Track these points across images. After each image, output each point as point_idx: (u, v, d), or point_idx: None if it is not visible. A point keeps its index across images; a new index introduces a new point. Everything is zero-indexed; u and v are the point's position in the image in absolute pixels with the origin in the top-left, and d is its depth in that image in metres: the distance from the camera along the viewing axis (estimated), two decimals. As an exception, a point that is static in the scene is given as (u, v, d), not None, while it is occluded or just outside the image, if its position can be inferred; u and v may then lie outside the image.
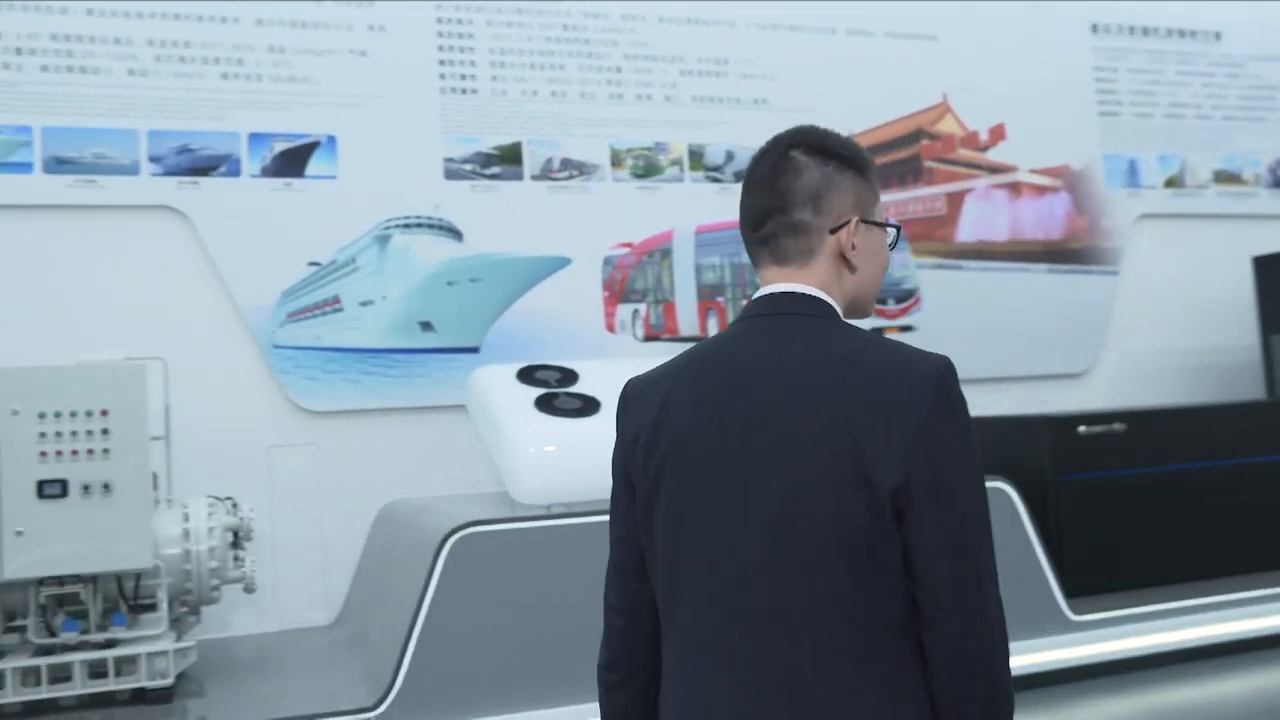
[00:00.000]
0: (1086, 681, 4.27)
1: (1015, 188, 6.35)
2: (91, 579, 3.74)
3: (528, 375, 4.54)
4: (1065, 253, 6.41)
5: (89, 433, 3.65)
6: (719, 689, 1.44)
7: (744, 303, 5.89)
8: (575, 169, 5.57)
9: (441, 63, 5.38)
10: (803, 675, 1.39)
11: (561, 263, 5.48)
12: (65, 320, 4.63)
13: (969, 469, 1.42)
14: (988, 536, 1.43)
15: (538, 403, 4.32)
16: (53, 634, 3.73)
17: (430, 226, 5.29)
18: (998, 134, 6.31)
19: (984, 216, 6.26)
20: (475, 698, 3.57)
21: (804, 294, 1.54)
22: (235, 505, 4.20)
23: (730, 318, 5.77)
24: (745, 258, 5.77)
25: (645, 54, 5.73)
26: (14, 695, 3.60)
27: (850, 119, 6.01)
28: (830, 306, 1.53)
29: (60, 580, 3.67)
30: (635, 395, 1.60)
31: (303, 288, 5.07)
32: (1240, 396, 6.20)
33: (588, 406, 4.30)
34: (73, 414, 3.64)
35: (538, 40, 5.56)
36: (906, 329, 6.01)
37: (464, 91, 5.41)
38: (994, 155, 6.32)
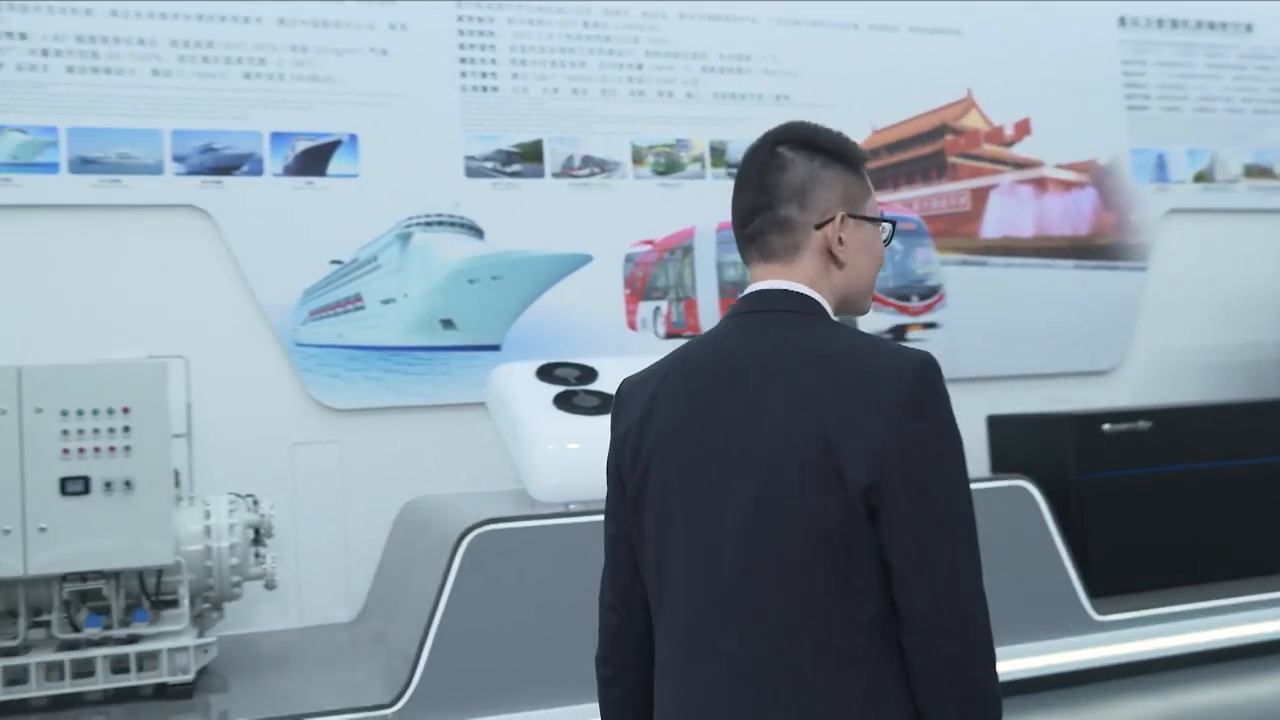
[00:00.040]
0: (1111, 682, 4.22)
1: (1041, 183, 6.28)
2: (114, 575, 3.77)
3: (547, 373, 4.55)
4: (1092, 248, 6.34)
5: (110, 430, 3.69)
6: (700, 687, 1.44)
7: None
8: (596, 166, 5.57)
9: (462, 61, 5.39)
10: (777, 675, 1.39)
11: (583, 260, 5.48)
12: (90, 319, 4.67)
13: (947, 467, 1.40)
14: (969, 536, 1.41)
15: (556, 400, 4.32)
16: (76, 629, 3.77)
17: (451, 224, 5.31)
18: (1023, 129, 6.25)
19: (1009, 212, 6.20)
20: (492, 695, 3.57)
21: (789, 291, 1.53)
22: (256, 502, 4.23)
23: (752, 315, 5.73)
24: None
25: (666, 51, 5.72)
26: (38, 689, 3.64)
27: (873, 114, 5.98)
28: (816, 303, 1.52)
29: (83, 576, 3.71)
30: (627, 394, 1.61)
31: (324, 286, 5.09)
32: (1271, 394, 6.10)
33: (606, 404, 4.30)
34: (94, 412, 3.67)
35: (559, 38, 5.56)
36: (930, 325, 5.97)
37: (485, 89, 5.42)
38: (1019, 150, 6.26)
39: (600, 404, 4.29)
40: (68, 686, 3.67)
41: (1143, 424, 4.79)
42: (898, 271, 5.95)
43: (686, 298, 5.67)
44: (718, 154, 5.76)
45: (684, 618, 1.48)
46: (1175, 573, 4.69)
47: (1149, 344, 6.36)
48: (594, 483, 3.94)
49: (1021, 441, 4.94)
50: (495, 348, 5.31)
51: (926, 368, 1.42)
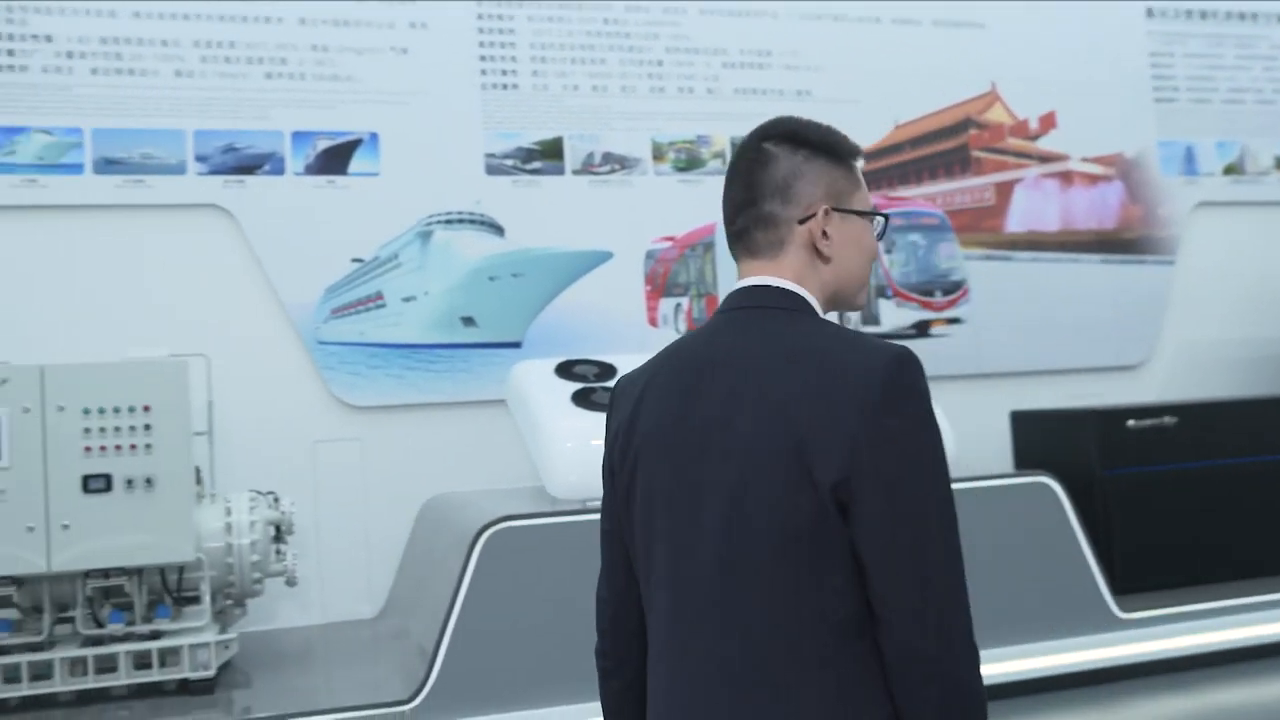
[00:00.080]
0: (1135, 681, 4.18)
1: (1067, 177, 6.22)
2: (136, 572, 3.81)
3: (566, 370, 4.55)
4: (1119, 242, 6.26)
5: (132, 428, 3.72)
6: (681, 682, 1.45)
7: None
8: (617, 163, 5.57)
9: (482, 58, 5.40)
10: (750, 672, 1.38)
11: (603, 257, 5.48)
12: (114, 318, 4.72)
13: (921, 464, 1.37)
14: (946, 534, 1.38)
15: (575, 397, 4.32)
16: (100, 625, 3.81)
17: (472, 222, 5.32)
18: (1048, 122, 6.19)
19: (1034, 206, 6.14)
20: (509, 692, 3.58)
21: (772, 287, 1.52)
22: (277, 500, 4.26)
23: (773, 311, 5.72)
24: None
25: (687, 47, 5.70)
26: (61, 685, 3.68)
27: (896, 109, 5.94)
28: (800, 299, 1.51)
29: (105, 573, 3.75)
30: (621, 391, 1.62)
31: (346, 284, 5.12)
32: (1302, 389, 6.03)
33: (624, 401, 4.29)
34: (116, 410, 3.71)
35: (578, 35, 5.55)
36: (954, 321, 5.92)
37: (505, 87, 5.43)
38: (1045, 144, 6.20)
39: (618, 401, 4.28)
40: (91, 682, 3.71)
41: (1168, 419, 4.73)
42: (921, 267, 5.91)
43: (708, 294, 5.66)
44: (739, 150, 5.73)
45: (668, 613, 1.49)
46: (1200, 570, 4.63)
47: (1177, 338, 6.28)
48: (611, 480, 3.98)
49: (1045, 437, 4.89)
50: (516, 345, 5.32)
51: (901, 363, 1.39)
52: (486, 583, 3.65)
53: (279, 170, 5.06)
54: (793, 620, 1.37)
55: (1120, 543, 4.57)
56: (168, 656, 3.79)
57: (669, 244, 5.60)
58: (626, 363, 4.62)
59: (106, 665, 3.76)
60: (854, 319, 5.75)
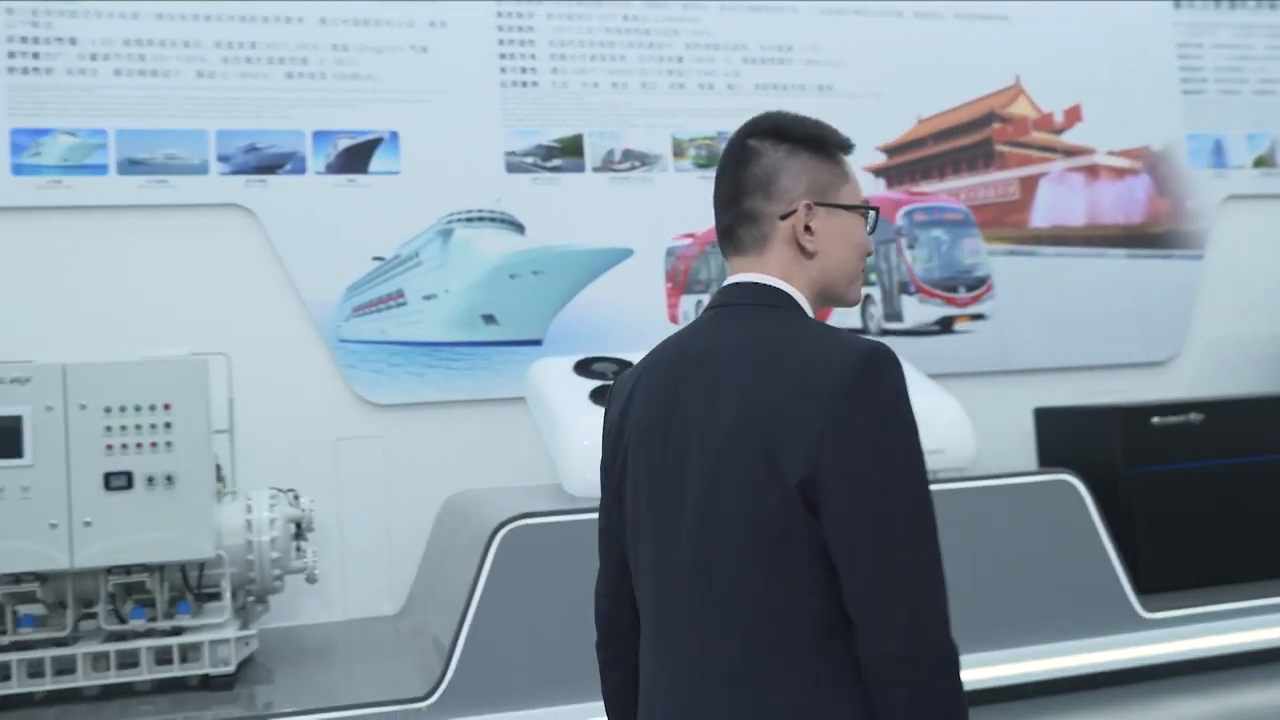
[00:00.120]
0: (1159, 682, 4.12)
1: (1093, 170, 6.15)
2: (158, 568, 3.85)
3: (584, 368, 4.55)
4: (1146, 237, 6.19)
5: (152, 426, 3.76)
6: (663, 675, 1.48)
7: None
8: (637, 160, 5.56)
9: (502, 56, 5.41)
10: (723, 667, 1.39)
11: (624, 254, 5.47)
12: (138, 317, 4.76)
13: (891, 460, 1.35)
14: (917, 533, 1.35)
15: (593, 395, 4.32)
16: (122, 621, 3.85)
17: (492, 220, 5.33)
18: (1074, 115, 6.12)
19: (1059, 201, 6.08)
20: (526, 689, 3.58)
21: (756, 284, 1.52)
22: (297, 497, 4.28)
23: (795, 308, 5.70)
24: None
25: (707, 43, 5.68)
26: (84, 679, 3.73)
27: (918, 103, 5.90)
28: (784, 295, 1.50)
29: (127, 569, 3.79)
30: (616, 389, 1.64)
31: (367, 282, 5.15)
32: (1334, 386, 5.94)
33: (642, 399, 4.28)
34: (136, 408, 3.75)
35: (598, 32, 5.55)
36: (978, 317, 5.87)
37: (525, 85, 5.43)
38: (1070, 137, 6.13)
39: (636, 398, 4.27)
40: (113, 677, 3.76)
41: (1194, 417, 4.67)
42: (944, 262, 5.86)
43: (729, 291, 5.63)
44: (760, 146, 5.70)
45: (652, 608, 1.51)
46: (1226, 569, 4.57)
47: (1206, 334, 6.20)
48: (628, 477, 3.98)
49: (1069, 435, 4.84)
50: (537, 342, 5.32)
51: (872, 358, 1.37)
52: (503, 580, 3.65)
53: (300, 169, 5.09)
54: (766, 618, 1.37)
55: (1145, 541, 4.51)
56: (189, 652, 3.83)
57: (690, 241, 5.59)
58: (645, 360, 4.62)
59: (129, 660, 3.80)
60: (877, 315, 5.72)
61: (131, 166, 4.90)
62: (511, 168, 5.37)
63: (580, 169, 5.47)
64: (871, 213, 1.59)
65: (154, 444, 3.75)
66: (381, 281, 5.17)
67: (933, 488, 4.31)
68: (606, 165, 5.52)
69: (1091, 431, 4.78)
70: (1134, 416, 4.67)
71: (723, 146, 5.37)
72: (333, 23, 5.18)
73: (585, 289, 5.42)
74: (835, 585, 1.36)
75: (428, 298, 5.24)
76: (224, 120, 5.01)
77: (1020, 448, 5.29)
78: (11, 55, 4.82)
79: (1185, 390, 6.00)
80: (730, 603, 1.39)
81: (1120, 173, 6.18)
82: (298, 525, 4.23)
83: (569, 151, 5.47)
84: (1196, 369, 6.15)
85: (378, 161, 5.19)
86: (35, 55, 4.84)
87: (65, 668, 3.75)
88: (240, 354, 4.63)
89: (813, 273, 1.53)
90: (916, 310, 5.80)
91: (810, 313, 1.53)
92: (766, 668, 1.37)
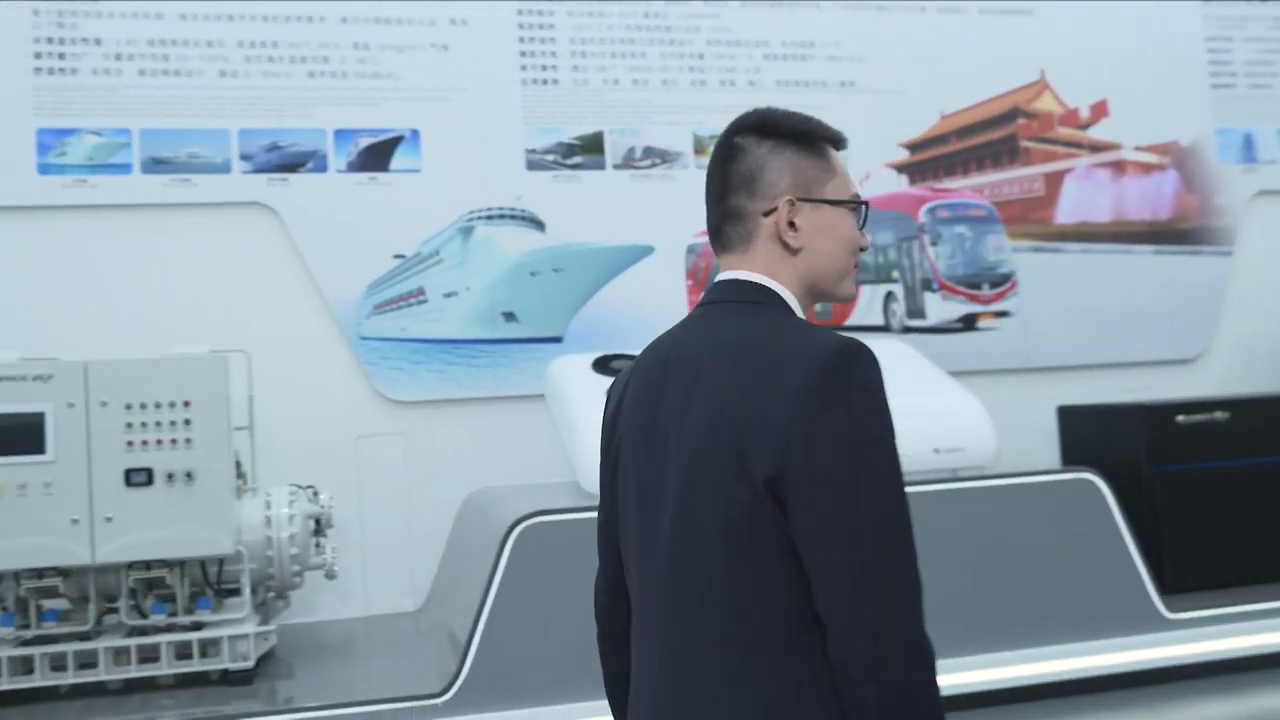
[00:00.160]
0: (1183, 683, 4.07)
1: (1119, 166, 6.08)
2: (178, 564, 3.88)
3: (603, 365, 4.55)
4: (1174, 233, 6.11)
5: (172, 423, 3.79)
6: (644, 667, 1.49)
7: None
8: (658, 157, 5.55)
9: (522, 54, 5.41)
10: (695, 662, 1.40)
11: (644, 251, 5.46)
12: (162, 315, 4.81)
13: (859, 457, 1.33)
14: (886, 531, 1.33)
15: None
16: (143, 616, 3.89)
17: (513, 217, 5.34)
18: (1100, 110, 6.05)
19: (1085, 197, 6.01)
20: (541, 686, 3.59)
21: (740, 281, 1.52)
22: (316, 494, 4.31)
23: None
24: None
25: (728, 39, 5.66)
26: (105, 673, 3.77)
27: (942, 99, 5.86)
28: (769, 292, 1.50)
29: (147, 565, 3.82)
30: (614, 386, 1.65)
31: (388, 280, 5.17)
32: (1366, 383, 5.84)
33: (660, 396, 4.27)
34: (156, 405, 3.78)
35: (619, 29, 5.54)
36: (1002, 314, 5.82)
37: (545, 82, 5.44)
38: (1096, 133, 6.06)
39: (653, 396, 4.26)
40: (134, 671, 3.79)
41: (1219, 415, 4.61)
42: (968, 259, 5.81)
43: (750, 288, 5.61)
44: (781, 142, 5.67)
45: (638, 604, 1.53)
46: (1251, 570, 4.50)
47: (1235, 331, 6.11)
48: (645, 475, 3.98)
49: (1092, 433, 4.79)
50: (557, 340, 5.33)
51: (841, 355, 1.35)
52: (519, 577, 3.66)
53: (322, 168, 5.12)
54: (738, 616, 1.37)
55: (1169, 541, 4.46)
56: (208, 647, 3.86)
57: (710, 238, 5.56)
58: (664, 357, 4.61)
59: (150, 655, 3.84)
60: (899, 312, 5.68)
61: (155, 165, 4.94)
62: (532, 165, 5.38)
63: (601, 166, 5.47)
64: (862, 207, 1.57)
65: (174, 441, 3.78)
66: (402, 279, 5.19)
67: (953, 486, 4.25)
68: (627, 162, 5.52)
69: (1115, 430, 4.72)
70: (1158, 415, 4.61)
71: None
72: (354, 21, 5.20)
73: (606, 286, 5.42)
74: (807, 583, 1.35)
75: (448, 295, 5.25)
76: (246, 119, 5.05)
77: (1044, 446, 5.24)
78: (38, 56, 4.88)
79: (1214, 388, 5.93)
80: (704, 601, 1.39)
81: (1147, 168, 6.11)
82: (317, 522, 4.25)
83: (589, 149, 5.47)
84: (1225, 367, 6.07)
85: (399, 159, 5.21)
86: (61, 56, 4.89)
87: (87, 661, 3.79)
88: (262, 351, 4.66)
89: (799, 269, 1.52)
90: (940, 307, 5.75)
91: (799, 310, 1.52)
92: (739, 666, 1.36)
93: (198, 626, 3.89)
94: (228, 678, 3.84)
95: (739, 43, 5.67)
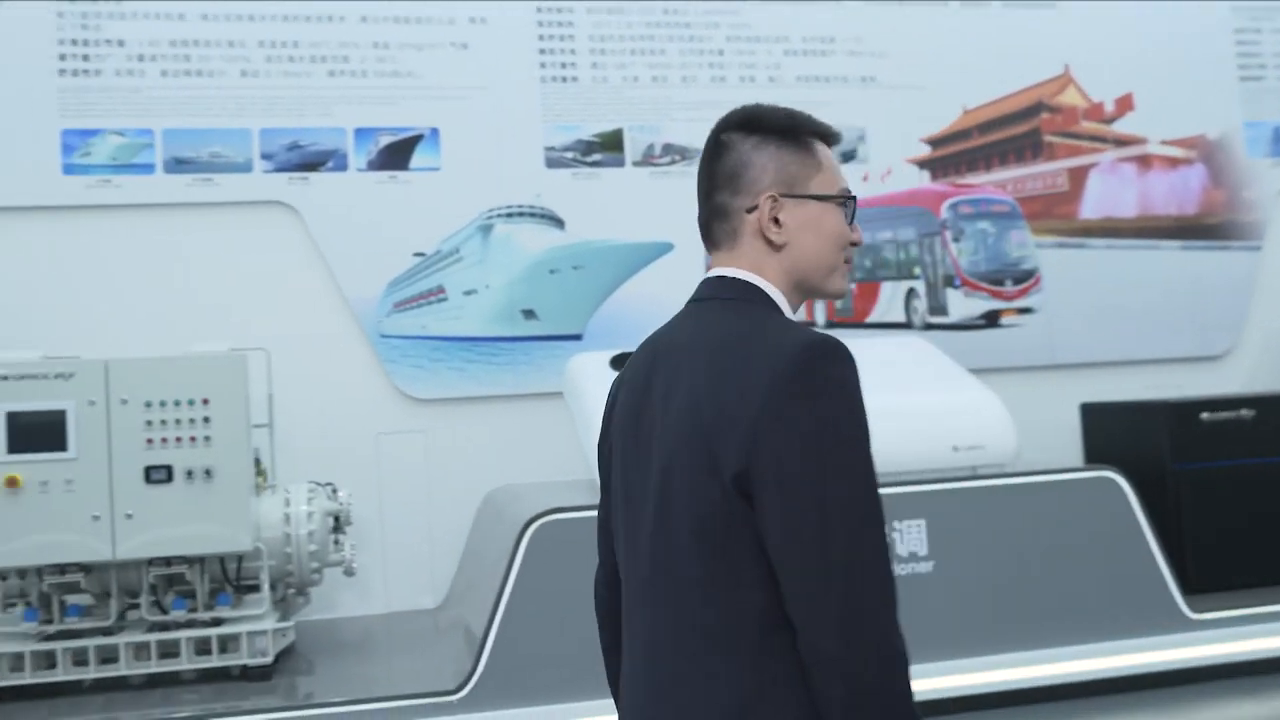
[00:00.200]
0: (1206, 684, 4.02)
1: (1145, 160, 6.00)
2: (198, 560, 3.92)
3: (621, 362, 4.51)
4: (1201, 228, 6.03)
5: (191, 421, 3.83)
6: (629, 661, 1.52)
7: (851, 287, 5.76)
8: (678, 154, 5.54)
9: (542, 52, 5.42)
10: (671, 657, 1.41)
11: (664, 249, 5.45)
12: (185, 313, 4.84)
13: (827, 453, 1.31)
14: (853, 525, 1.31)
15: (627, 390, 4.31)
16: (164, 611, 3.93)
17: (532, 215, 5.34)
18: (1125, 104, 5.98)
19: (1110, 192, 5.95)
20: (556, 683, 3.59)
21: (726, 278, 1.52)
22: (335, 491, 4.33)
23: (836, 302, 5.66)
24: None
25: (748, 35, 5.64)
26: (126, 668, 3.81)
27: (964, 94, 5.81)
28: (753, 289, 1.49)
29: (167, 561, 3.86)
30: (614, 383, 1.64)
31: (408, 278, 5.19)
32: (1397, 380, 5.75)
33: (677, 394, 4.27)
34: (176, 403, 3.82)
35: (638, 26, 5.54)
36: (1025, 311, 5.77)
37: (564, 80, 5.44)
38: (1121, 127, 5.99)
39: (670, 393, 4.26)
40: (154, 666, 3.83)
41: (1245, 412, 4.55)
42: (991, 255, 5.77)
43: (771, 285, 5.59)
44: (802, 138, 5.65)
45: (625, 597, 1.55)
46: (1276, 570, 4.44)
47: (1264, 328, 6.03)
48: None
49: (1116, 430, 4.74)
50: (577, 337, 5.33)
51: (811, 351, 1.34)
52: (534, 575, 3.67)
53: (342, 166, 5.15)
54: (713, 611, 1.37)
55: (1192, 540, 4.41)
56: (228, 643, 3.89)
57: (730, 235, 5.54)
58: (682, 355, 4.59)
59: (170, 650, 3.87)
60: (921, 309, 5.64)
61: (178, 165, 4.98)
62: (551, 163, 5.38)
63: (620, 163, 5.47)
64: (850, 202, 1.56)
65: (193, 438, 3.82)
66: (422, 277, 5.21)
67: (972, 485, 4.20)
68: (647, 160, 5.51)
69: (1139, 427, 4.68)
70: (1182, 412, 4.56)
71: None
72: (374, 21, 5.22)
73: (625, 284, 5.41)
74: (778, 581, 1.34)
75: (468, 293, 5.27)
76: (267, 119, 5.08)
77: (1067, 444, 5.20)
78: (62, 58, 4.93)
79: (1242, 385, 5.85)
80: (682, 597, 1.40)
81: (1174, 162, 6.03)
82: (336, 519, 4.28)
83: (609, 146, 5.47)
84: (1254, 363, 5.98)
85: (418, 158, 5.23)
86: (85, 58, 4.94)
87: (109, 656, 3.83)
88: (283, 349, 4.69)
89: (784, 265, 1.51)
90: (962, 304, 5.71)
91: (786, 306, 1.51)
92: (713, 663, 1.37)
93: (217, 622, 3.92)
94: (246, 673, 3.87)
95: (759, 39, 5.65)
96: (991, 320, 5.72)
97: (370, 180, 5.17)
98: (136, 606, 3.97)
